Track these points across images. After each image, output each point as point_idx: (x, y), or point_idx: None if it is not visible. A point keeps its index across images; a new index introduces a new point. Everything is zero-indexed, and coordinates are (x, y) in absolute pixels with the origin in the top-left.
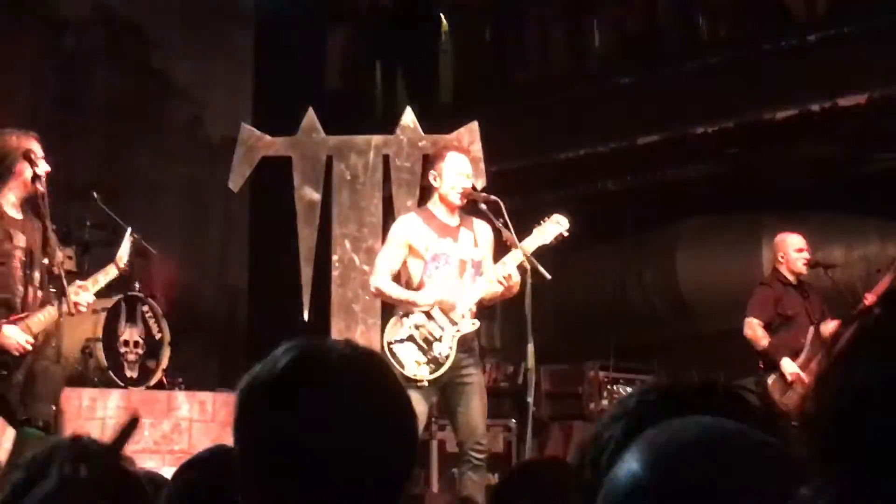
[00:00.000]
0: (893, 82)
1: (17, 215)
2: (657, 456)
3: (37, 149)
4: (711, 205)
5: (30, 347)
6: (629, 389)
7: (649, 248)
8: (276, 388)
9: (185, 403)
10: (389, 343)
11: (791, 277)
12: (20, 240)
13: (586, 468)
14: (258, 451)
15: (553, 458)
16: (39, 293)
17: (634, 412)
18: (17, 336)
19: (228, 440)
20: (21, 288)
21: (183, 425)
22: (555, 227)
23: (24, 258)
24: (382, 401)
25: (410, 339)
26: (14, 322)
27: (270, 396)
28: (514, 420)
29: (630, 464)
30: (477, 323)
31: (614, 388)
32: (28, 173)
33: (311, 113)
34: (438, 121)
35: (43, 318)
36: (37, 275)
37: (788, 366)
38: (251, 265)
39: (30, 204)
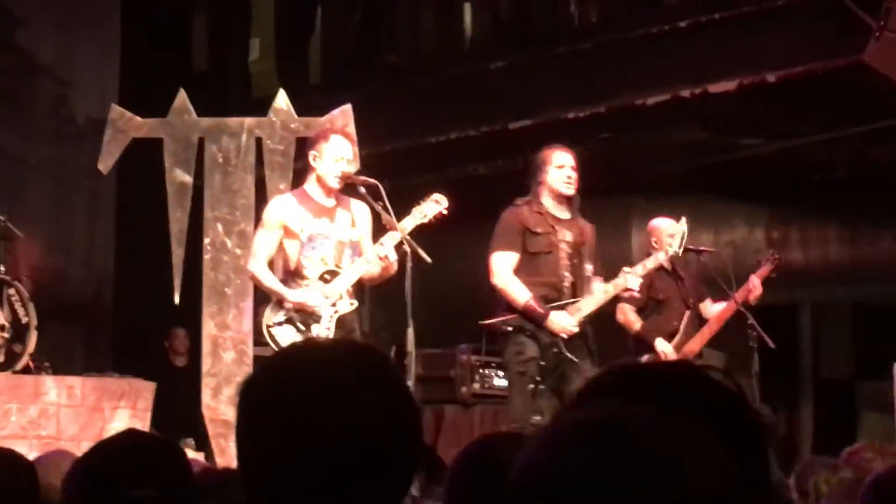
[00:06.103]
0: (762, 69)
1: None
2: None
3: None
4: (582, 189)
5: None
6: (501, 374)
7: None
8: (271, 385)
9: (53, 388)
10: (269, 326)
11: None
12: None
13: None
14: (258, 454)
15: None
16: None
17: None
18: None
19: (97, 426)
20: None
21: (51, 410)
22: (433, 206)
23: None
24: (387, 396)
25: (289, 321)
26: None
27: (267, 389)
28: None
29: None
30: (355, 303)
31: (486, 371)
32: None
33: (182, 94)
34: (307, 103)
35: None
36: None
37: (662, 346)
38: (118, 248)
39: None
